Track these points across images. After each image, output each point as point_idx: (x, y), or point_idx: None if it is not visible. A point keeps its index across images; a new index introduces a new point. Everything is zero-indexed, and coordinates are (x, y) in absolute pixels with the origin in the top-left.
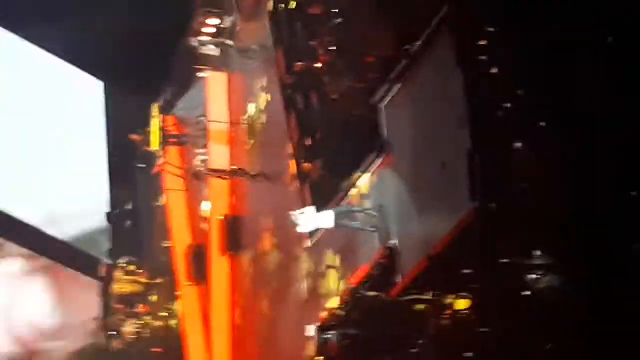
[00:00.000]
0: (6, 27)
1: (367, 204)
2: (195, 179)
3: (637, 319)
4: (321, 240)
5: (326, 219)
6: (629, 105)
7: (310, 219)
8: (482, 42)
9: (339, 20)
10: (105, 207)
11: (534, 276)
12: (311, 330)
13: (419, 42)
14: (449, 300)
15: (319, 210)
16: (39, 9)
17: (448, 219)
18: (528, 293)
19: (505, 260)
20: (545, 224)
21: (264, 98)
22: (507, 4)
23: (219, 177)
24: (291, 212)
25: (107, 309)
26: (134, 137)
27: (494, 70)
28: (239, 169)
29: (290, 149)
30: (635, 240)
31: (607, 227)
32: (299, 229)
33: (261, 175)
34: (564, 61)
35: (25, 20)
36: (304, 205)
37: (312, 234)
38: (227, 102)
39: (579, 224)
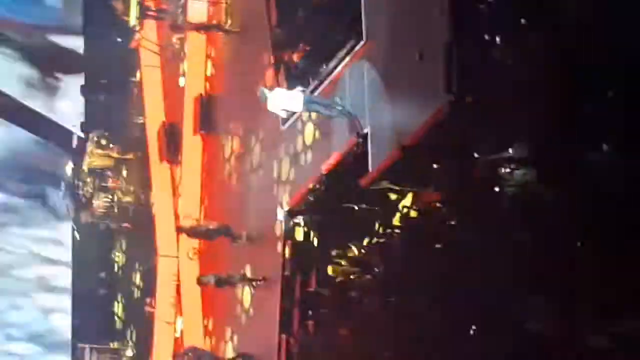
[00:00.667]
0: None
1: (341, 93)
2: (172, 31)
3: (606, 214)
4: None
5: (295, 102)
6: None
7: (280, 99)
8: None
9: None
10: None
11: (507, 170)
12: (280, 213)
13: None
14: (420, 192)
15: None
16: None
17: (423, 110)
18: (499, 188)
19: (478, 154)
20: (520, 120)
21: None
22: None
23: (197, 30)
24: (262, 87)
25: (78, 181)
26: (117, 2)
27: None
28: (217, 23)
29: (268, 31)
30: (607, 140)
31: (581, 125)
32: (268, 107)
33: (237, 33)
34: None
35: None
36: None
37: (284, 119)
38: None
39: (553, 120)
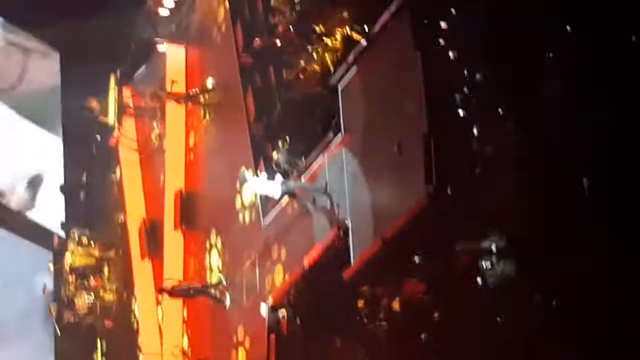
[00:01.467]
0: None
1: (321, 183)
2: (152, 100)
3: (586, 305)
4: (274, 223)
5: (274, 188)
6: (587, 99)
7: (259, 183)
8: (442, 25)
9: None
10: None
11: (487, 262)
12: (263, 308)
13: (378, 23)
14: (402, 283)
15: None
16: None
17: (402, 201)
18: (480, 279)
19: (458, 245)
20: (499, 211)
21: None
22: None
23: (176, 100)
24: (243, 168)
25: (59, 281)
26: (92, 102)
27: (453, 54)
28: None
29: (246, 127)
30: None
31: (559, 216)
32: (246, 187)
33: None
34: (526, 47)
35: None
36: None
37: (264, 213)
38: (186, 75)
39: (532, 212)
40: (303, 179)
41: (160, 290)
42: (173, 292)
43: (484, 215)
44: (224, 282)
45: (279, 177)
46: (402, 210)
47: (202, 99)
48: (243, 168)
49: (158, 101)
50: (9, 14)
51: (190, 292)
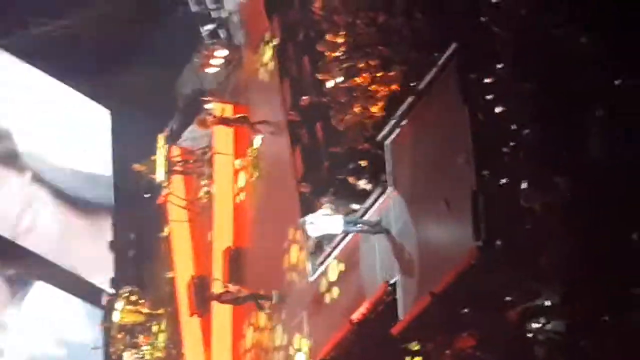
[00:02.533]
0: (19, 56)
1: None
2: (200, 126)
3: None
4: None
5: (335, 224)
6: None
7: (321, 221)
8: (489, 80)
9: (346, 55)
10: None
11: (538, 318)
12: None
13: (426, 79)
14: (452, 339)
15: None
16: (48, 40)
17: (451, 256)
18: (531, 334)
19: (508, 300)
20: (549, 265)
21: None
22: (515, 42)
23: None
24: (303, 219)
25: (108, 339)
26: (137, 167)
27: (500, 109)
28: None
29: (294, 184)
30: (637, 284)
31: (611, 270)
32: (309, 232)
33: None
34: (574, 102)
35: (35, 49)
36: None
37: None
38: (233, 134)
39: (583, 267)
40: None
41: (209, 297)
42: (221, 299)
43: (534, 271)
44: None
45: (339, 215)
46: (451, 265)
47: (250, 156)
48: (302, 219)
49: (204, 126)
50: (62, 74)
51: (238, 299)
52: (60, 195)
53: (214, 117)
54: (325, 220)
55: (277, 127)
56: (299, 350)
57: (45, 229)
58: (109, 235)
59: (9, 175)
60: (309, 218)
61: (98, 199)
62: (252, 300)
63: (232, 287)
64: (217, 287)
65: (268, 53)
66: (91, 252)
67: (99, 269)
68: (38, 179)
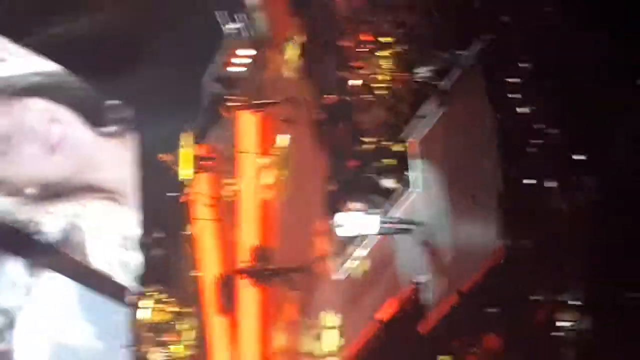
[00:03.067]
0: (50, 57)
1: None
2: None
3: None
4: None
5: (371, 224)
6: None
7: (355, 223)
8: (515, 80)
9: (370, 54)
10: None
11: (564, 316)
12: None
13: (451, 78)
14: (479, 337)
15: None
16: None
17: (478, 255)
18: (557, 333)
19: (534, 299)
20: (575, 263)
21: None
22: (539, 41)
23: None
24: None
25: (135, 337)
26: (163, 156)
27: (526, 108)
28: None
29: (320, 182)
30: None
31: (637, 270)
32: (339, 232)
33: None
34: (598, 101)
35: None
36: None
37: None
38: (257, 133)
39: (610, 266)
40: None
41: (234, 271)
42: (248, 273)
43: (560, 270)
44: None
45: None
46: (479, 265)
47: (274, 155)
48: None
49: (229, 113)
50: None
51: (265, 274)
52: None
53: (239, 103)
54: (360, 221)
55: (302, 126)
56: (329, 327)
57: None
58: None
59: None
60: (339, 219)
61: None
62: (278, 275)
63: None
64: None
65: (292, 52)
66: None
67: None
68: None
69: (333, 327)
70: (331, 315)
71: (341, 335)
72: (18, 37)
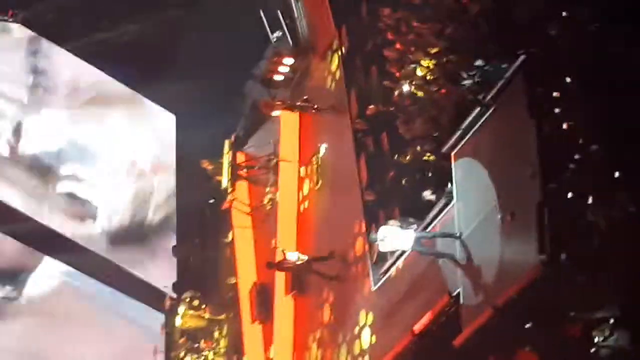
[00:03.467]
0: (90, 62)
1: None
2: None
3: None
4: (384, 285)
5: (405, 240)
6: None
7: (392, 237)
8: (557, 94)
9: (414, 64)
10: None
11: (601, 332)
12: None
13: (494, 91)
14: (514, 353)
15: None
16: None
17: (514, 270)
18: (595, 349)
19: (571, 315)
20: (615, 279)
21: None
22: (584, 57)
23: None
24: (371, 234)
25: (170, 343)
26: (205, 163)
27: (567, 123)
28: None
29: (358, 192)
30: None
31: None
32: (380, 247)
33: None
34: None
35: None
36: (370, 252)
37: (377, 277)
38: (299, 142)
39: None
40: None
41: (267, 264)
42: (281, 266)
43: (598, 286)
44: None
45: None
46: (515, 279)
47: (315, 164)
48: (371, 234)
49: (268, 111)
50: (126, 78)
51: (297, 266)
52: None
53: (280, 102)
54: (396, 235)
55: (343, 135)
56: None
57: None
58: None
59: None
60: (380, 233)
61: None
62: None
63: (290, 255)
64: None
65: (335, 61)
66: None
67: None
68: None
69: (368, 325)
70: (368, 314)
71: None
72: (64, 41)
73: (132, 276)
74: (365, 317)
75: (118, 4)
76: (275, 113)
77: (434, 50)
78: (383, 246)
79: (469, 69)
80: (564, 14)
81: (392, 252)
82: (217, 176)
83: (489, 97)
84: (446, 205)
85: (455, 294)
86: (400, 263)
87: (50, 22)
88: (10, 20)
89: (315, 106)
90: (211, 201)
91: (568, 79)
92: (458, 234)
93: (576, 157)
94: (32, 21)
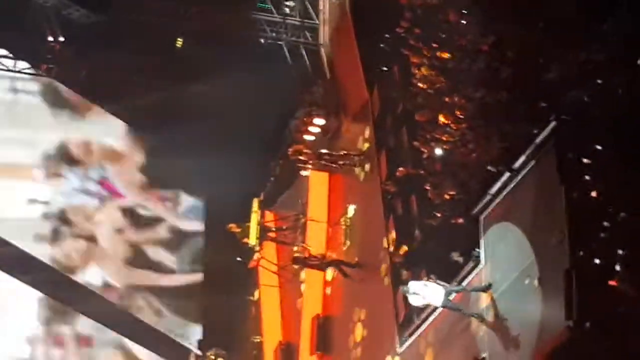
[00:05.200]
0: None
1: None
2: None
3: None
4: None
5: (436, 295)
6: None
7: (422, 288)
8: (587, 161)
9: (445, 128)
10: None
11: None
12: None
13: (524, 155)
14: None
15: None
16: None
17: (541, 335)
18: None
19: None
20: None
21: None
22: (611, 124)
23: (314, 266)
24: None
25: None
26: (233, 227)
27: (597, 191)
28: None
29: (386, 253)
30: None
31: None
32: (411, 301)
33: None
34: None
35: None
36: (397, 313)
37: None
38: (327, 202)
39: None
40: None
41: (294, 259)
42: (307, 263)
43: (624, 351)
44: None
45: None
46: (542, 344)
47: (343, 225)
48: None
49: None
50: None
51: (323, 264)
52: None
53: (308, 153)
54: (427, 290)
55: (371, 196)
56: None
57: None
58: None
59: None
60: (411, 287)
61: None
62: (336, 266)
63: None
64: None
65: (367, 121)
66: None
67: None
68: None
69: None
70: None
71: None
72: (97, 99)
73: (158, 332)
74: None
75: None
76: (304, 173)
77: (465, 115)
78: (414, 300)
79: (499, 133)
80: (597, 81)
81: (419, 314)
82: (243, 239)
83: (519, 161)
84: (474, 268)
85: (482, 357)
86: (426, 325)
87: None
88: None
89: (344, 163)
90: (239, 259)
91: (599, 146)
92: (488, 284)
93: (606, 224)
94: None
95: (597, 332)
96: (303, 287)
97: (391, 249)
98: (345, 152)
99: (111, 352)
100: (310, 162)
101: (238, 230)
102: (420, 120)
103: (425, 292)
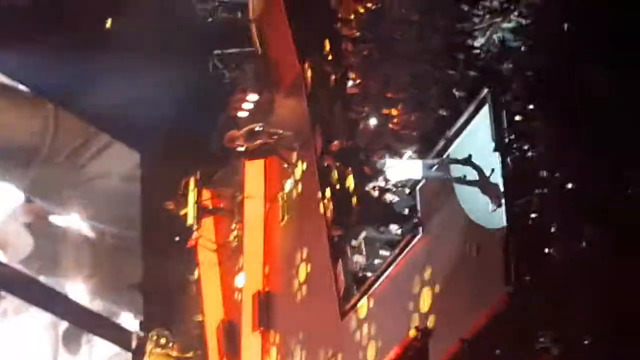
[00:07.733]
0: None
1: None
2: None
3: None
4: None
5: (415, 170)
6: None
7: (400, 167)
8: (519, 118)
9: (378, 99)
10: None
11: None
12: None
13: (457, 124)
14: None
15: None
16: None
17: (481, 302)
18: None
19: (540, 345)
20: (579, 309)
21: (299, 168)
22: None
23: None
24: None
25: None
26: (169, 204)
27: (531, 155)
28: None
29: (324, 228)
30: None
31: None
32: (389, 176)
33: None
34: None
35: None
36: (337, 285)
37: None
38: (264, 179)
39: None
40: (379, 281)
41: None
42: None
43: (566, 314)
44: None
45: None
46: (482, 311)
47: (280, 201)
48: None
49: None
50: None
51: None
52: None
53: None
54: (405, 165)
55: (308, 172)
56: None
57: None
58: None
59: None
60: (388, 162)
61: None
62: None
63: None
64: None
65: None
66: None
67: None
68: None
69: None
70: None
71: None
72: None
73: (97, 314)
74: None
75: None
76: (240, 149)
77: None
78: (392, 174)
79: (434, 102)
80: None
81: (359, 286)
82: (182, 213)
83: (452, 130)
84: (412, 238)
85: (422, 327)
86: (367, 297)
87: None
88: None
89: (276, 136)
90: (176, 238)
91: (531, 105)
92: (469, 156)
93: (541, 188)
94: None
95: (536, 296)
96: (241, 261)
97: (329, 223)
98: (279, 131)
99: None
100: (246, 148)
101: (175, 208)
102: (353, 93)
103: (403, 166)
